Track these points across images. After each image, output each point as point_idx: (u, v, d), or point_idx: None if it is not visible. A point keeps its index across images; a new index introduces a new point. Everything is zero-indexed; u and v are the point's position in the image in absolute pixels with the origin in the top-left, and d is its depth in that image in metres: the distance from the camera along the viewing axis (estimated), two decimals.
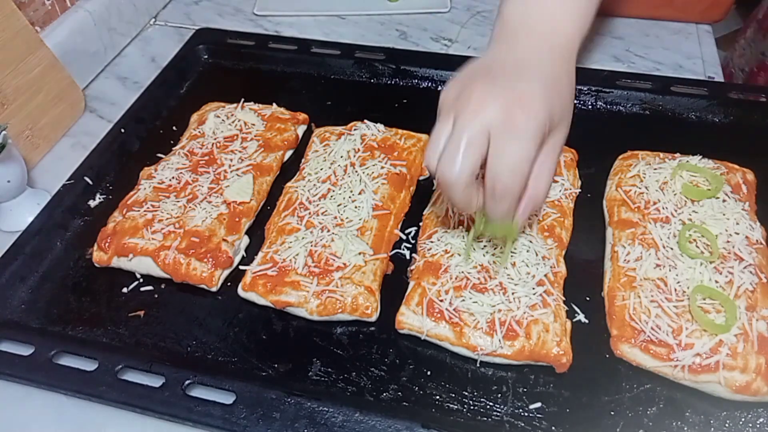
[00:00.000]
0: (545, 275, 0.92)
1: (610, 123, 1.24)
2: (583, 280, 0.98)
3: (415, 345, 0.93)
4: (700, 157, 1.07)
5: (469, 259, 0.93)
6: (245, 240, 1.06)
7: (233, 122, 1.20)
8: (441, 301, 0.90)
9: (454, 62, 1.34)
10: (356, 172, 1.09)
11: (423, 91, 1.33)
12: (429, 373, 0.89)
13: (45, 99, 1.25)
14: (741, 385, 0.81)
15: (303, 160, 1.16)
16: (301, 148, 1.21)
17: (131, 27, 1.55)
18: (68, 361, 0.90)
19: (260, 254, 1.00)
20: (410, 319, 0.91)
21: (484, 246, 0.95)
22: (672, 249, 0.94)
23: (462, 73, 0.83)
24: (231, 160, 1.12)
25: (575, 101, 1.25)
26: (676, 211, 0.99)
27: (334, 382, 0.89)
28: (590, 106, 1.27)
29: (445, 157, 0.75)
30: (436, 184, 0.81)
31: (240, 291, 0.98)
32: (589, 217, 1.06)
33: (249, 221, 1.07)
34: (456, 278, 0.92)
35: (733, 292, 0.88)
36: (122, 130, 1.23)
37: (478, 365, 0.90)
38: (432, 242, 0.98)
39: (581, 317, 0.94)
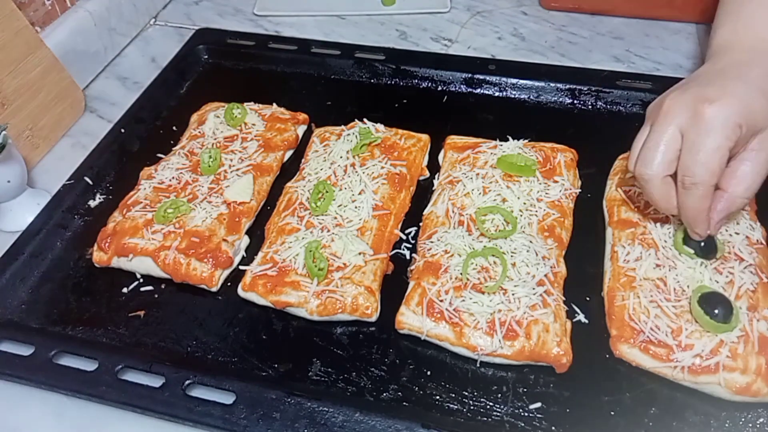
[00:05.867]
0: (545, 275, 0.92)
1: (610, 123, 1.24)
2: (583, 280, 0.98)
3: (415, 345, 0.93)
4: None
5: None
6: (245, 240, 1.06)
7: (233, 122, 1.20)
8: (441, 301, 0.90)
9: (454, 62, 1.36)
10: (356, 172, 1.09)
11: (423, 91, 1.33)
12: (429, 373, 0.89)
13: (45, 99, 1.25)
14: (741, 387, 0.81)
15: (303, 160, 1.16)
16: (301, 148, 1.21)
17: (131, 27, 1.55)
18: (68, 361, 0.90)
19: (260, 254, 1.00)
20: (410, 319, 0.91)
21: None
22: (672, 249, 0.94)
23: (667, 91, 0.87)
24: (231, 160, 1.12)
25: (575, 101, 1.27)
26: None
27: (334, 382, 0.89)
28: (590, 106, 1.27)
29: (642, 156, 0.83)
30: (638, 180, 0.87)
31: (240, 291, 0.98)
32: (589, 217, 1.06)
33: (249, 221, 1.07)
34: (457, 278, 0.92)
35: (734, 292, 0.88)
36: (122, 130, 1.23)
37: (478, 365, 0.90)
38: (432, 242, 0.98)
39: (581, 317, 0.94)
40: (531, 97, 1.29)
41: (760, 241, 0.96)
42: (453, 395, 0.87)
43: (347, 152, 1.12)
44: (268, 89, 1.33)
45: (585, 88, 1.27)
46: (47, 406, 0.89)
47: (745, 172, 0.80)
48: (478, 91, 1.31)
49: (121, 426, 0.87)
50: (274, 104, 1.26)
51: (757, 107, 0.78)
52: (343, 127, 1.18)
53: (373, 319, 0.94)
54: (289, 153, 1.20)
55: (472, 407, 0.85)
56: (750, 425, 0.82)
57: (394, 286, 0.98)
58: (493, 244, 0.96)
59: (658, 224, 0.97)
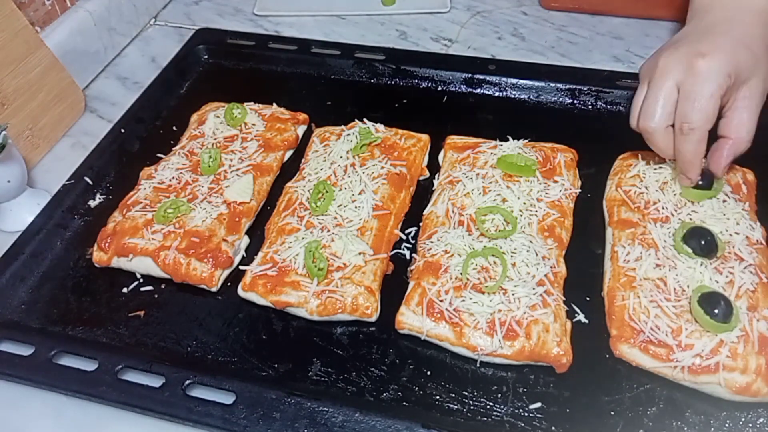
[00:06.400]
0: (545, 275, 0.92)
1: (610, 123, 1.24)
2: (583, 280, 0.98)
3: (415, 345, 0.93)
4: None
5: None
6: (245, 240, 1.06)
7: (233, 122, 1.20)
8: (441, 301, 0.90)
9: (454, 62, 1.36)
10: (356, 172, 1.09)
11: (423, 91, 1.33)
12: (429, 373, 0.89)
13: (45, 99, 1.25)
14: (741, 386, 0.81)
15: (303, 160, 1.16)
16: (301, 148, 1.21)
17: (131, 27, 1.55)
18: (68, 361, 0.90)
19: (260, 254, 1.00)
20: (410, 319, 0.91)
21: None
22: (672, 249, 0.94)
23: (656, 51, 0.98)
24: (231, 160, 1.12)
25: (575, 101, 1.27)
26: (675, 211, 0.99)
27: (334, 382, 0.89)
28: (590, 106, 1.27)
29: (644, 111, 0.93)
30: (643, 133, 0.96)
31: (240, 291, 0.98)
32: (589, 217, 1.06)
33: (249, 221, 1.07)
34: (457, 278, 0.92)
35: (734, 292, 0.88)
36: (122, 130, 1.23)
37: (478, 365, 0.90)
38: (432, 242, 0.98)
39: (581, 317, 0.94)
40: (531, 97, 1.29)
41: (760, 241, 0.96)
42: (453, 395, 0.87)
43: (347, 152, 1.12)
44: (268, 89, 1.33)
45: (585, 88, 1.27)
46: (47, 406, 0.89)
47: (743, 118, 0.91)
48: (478, 91, 1.31)
49: (121, 426, 0.87)
50: (274, 104, 1.26)
51: (742, 59, 0.89)
52: (343, 127, 1.18)
53: (373, 319, 0.94)
54: (289, 153, 1.20)
55: (472, 407, 0.85)
56: (750, 425, 0.82)
57: (394, 286, 0.98)
58: (493, 244, 0.96)
59: (658, 224, 0.97)
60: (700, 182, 0.97)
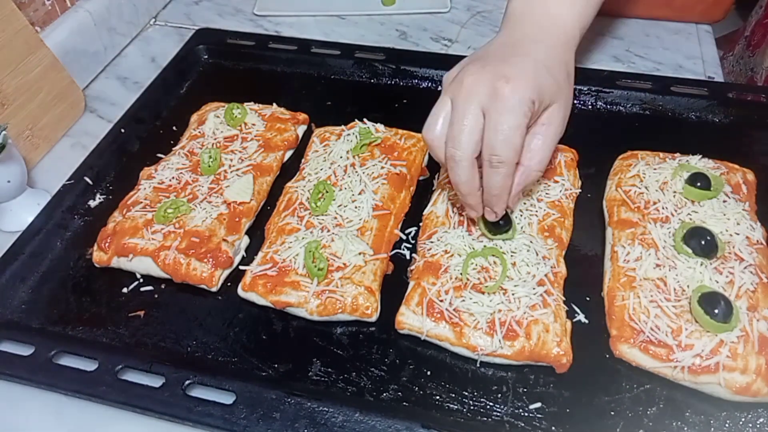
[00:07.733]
0: (545, 275, 0.92)
1: (610, 123, 1.24)
2: (583, 280, 0.98)
3: (415, 345, 0.93)
4: (700, 157, 1.07)
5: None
6: (245, 240, 1.06)
7: (233, 122, 1.20)
8: (441, 301, 0.90)
9: (454, 62, 1.35)
10: (356, 172, 1.09)
11: (423, 91, 1.33)
12: (429, 373, 0.89)
13: (45, 99, 1.25)
14: (741, 386, 0.81)
15: (303, 160, 1.16)
16: (301, 148, 1.21)
17: (131, 27, 1.55)
18: (68, 361, 0.90)
19: (260, 254, 1.00)
20: (410, 319, 0.91)
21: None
22: (672, 249, 0.94)
23: (465, 59, 0.92)
24: (231, 160, 1.12)
25: (575, 101, 1.27)
26: (676, 211, 0.99)
27: (334, 382, 0.89)
28: (590, 106, 1.27)
29: (451, 138, 0.84)
30: (443, 162, 0.88)
31: (240, 291, 0.98)
32: (589, 217, 1.06)
33: (249, 221, 1.07)
34: (457, 278, 0.92)
35: (734, 292, 0.88)
36: (122, 130, 1.23)
37: (478, 365, 0.90)
38: (432, 242, 0.98)
39: (581, 317, 0.94)
40: None
41: (760, 241, 0.96)
42: (453, 395, 0.87)
43: (347, 152, 1.12)
44: (268, 89, 1.33)
45: (585, 88, 1.26)
46: (47, 406, 0.89)
47: (538, 145, 0.86)
48: None
49: (121, 426, 0.87)
50: (274, 104, 1.26)
51: (545, 84, 0.84)
52: (343, 127, 1.18)
53: (373, 319, 0.94)
54: (289, 153, 1.20)
55: (472, 407, 0.85)
56: (750, 425, 0.82)
57: (394, 286, 0.98)
58: (493, 244, 0.96)
59: (658, 224, 0.97)
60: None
